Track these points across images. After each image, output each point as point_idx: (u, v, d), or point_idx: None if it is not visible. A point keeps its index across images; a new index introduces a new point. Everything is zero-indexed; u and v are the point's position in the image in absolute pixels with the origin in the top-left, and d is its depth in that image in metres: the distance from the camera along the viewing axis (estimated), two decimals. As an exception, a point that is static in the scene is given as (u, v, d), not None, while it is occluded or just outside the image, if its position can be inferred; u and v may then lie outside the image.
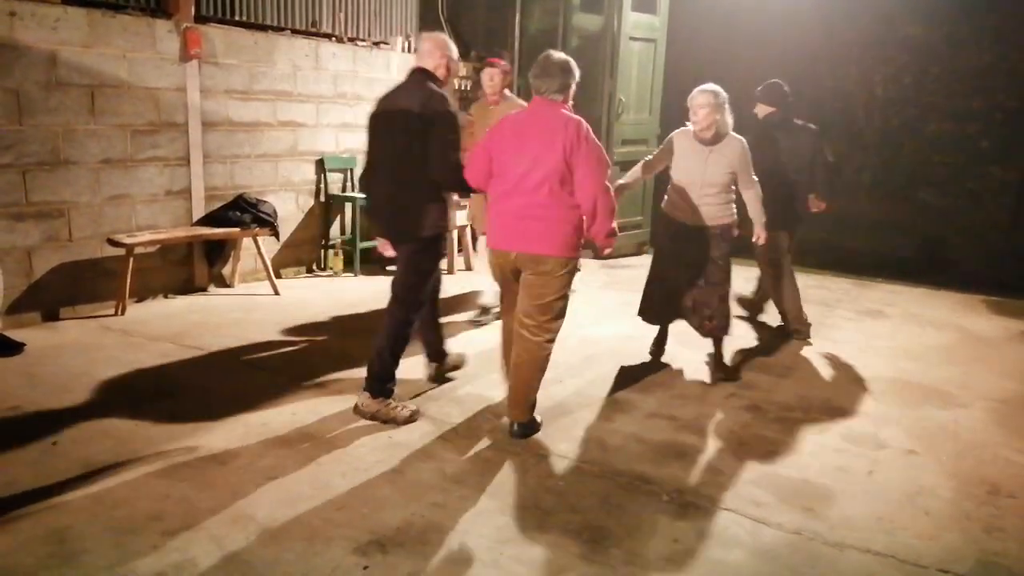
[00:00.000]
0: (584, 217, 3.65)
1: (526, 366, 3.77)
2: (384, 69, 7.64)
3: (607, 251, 3.89)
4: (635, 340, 5.46)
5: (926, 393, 4.73)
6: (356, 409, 3.99)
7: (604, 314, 6.22)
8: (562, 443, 3.81)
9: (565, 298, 3.75)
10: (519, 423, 3.86)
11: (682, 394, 4.53)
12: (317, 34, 7.17)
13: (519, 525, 3.05)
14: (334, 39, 7.27)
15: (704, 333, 4.83)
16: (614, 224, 3.71)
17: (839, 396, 4.62)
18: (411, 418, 3.96)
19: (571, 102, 3.75)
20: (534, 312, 3.70)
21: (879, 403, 4.53)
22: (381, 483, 3.34)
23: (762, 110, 5.60)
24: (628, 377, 4.79)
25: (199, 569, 2.68)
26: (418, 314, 4.02)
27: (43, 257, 5.35)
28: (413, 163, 3.80)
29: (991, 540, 3.10)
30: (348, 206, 7.48)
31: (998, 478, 3.64)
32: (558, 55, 3.73)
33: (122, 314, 5.59)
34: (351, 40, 7.47)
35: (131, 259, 5.57)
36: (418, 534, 2.96)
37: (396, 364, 3.97)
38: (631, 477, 3.49)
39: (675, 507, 3.25)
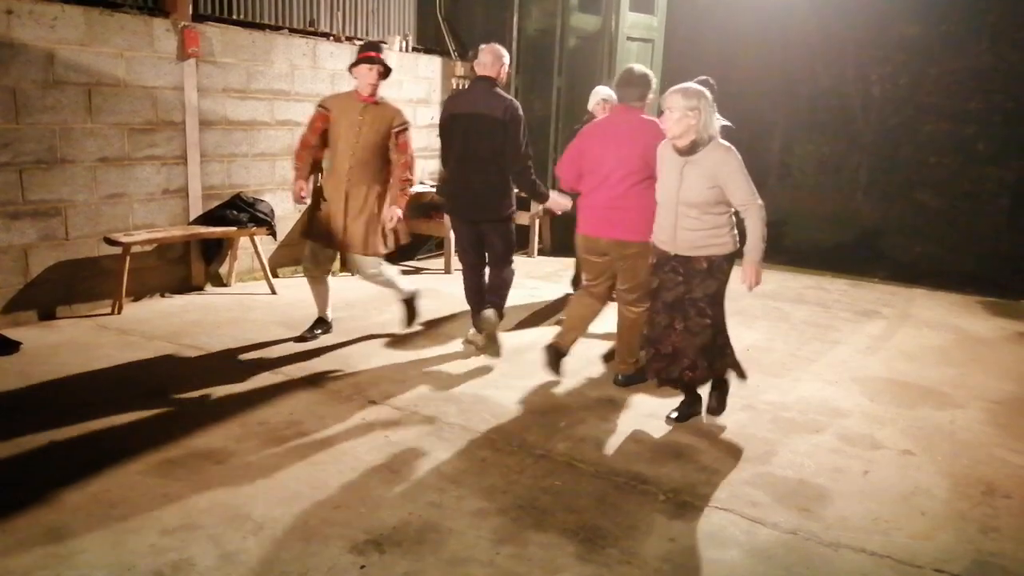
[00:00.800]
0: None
1: (627, 331, 4.53)
2: (382, 68, 7.63)
3: None
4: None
5: (922, 394, 4.74)
6: (483, 321, 4.87)
7: (603, 316, 6.21)
8: (559, 443, 3.82)
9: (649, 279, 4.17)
10: (624, 375, 4.63)
11: (679, 394, 4.53)
12: (315, 33, 7.17)
13: (516, 525, 3.06)
14: (332, 38, 7.27)
15: (683, 385, 4.10)
16: None
17: (835, 396, 4.62)
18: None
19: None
20: (628, 291, 4.45)
21: (875, 403, 4.54)
22: (378, 482, 3.34)
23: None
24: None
25: (196, 568, 2.69)
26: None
27: (40, 256, 5.34)
28: (497, 159, 4.73)
29: (986, 540, 3.11)
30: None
31: (994, 478, 3.65)
32: (639, 69, 4.37)
33: (119, 313, 5.59)
34: (349, 39, 7.47)
35: (128, 258, 5.57)
36: (415, 533, 2.96)
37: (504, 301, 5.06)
38: (627, 477, 3.50)
39: (671, 507, 3.26)
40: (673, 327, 3.95)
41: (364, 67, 4.79)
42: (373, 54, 4.82)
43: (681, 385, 4.09)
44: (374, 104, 4.86)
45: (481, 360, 4.94)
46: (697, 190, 3.74)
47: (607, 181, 4.27)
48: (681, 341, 3.93)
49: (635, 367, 4.59)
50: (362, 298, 6.28)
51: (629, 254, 4.31)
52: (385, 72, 4.86)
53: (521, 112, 4.74)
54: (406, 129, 4.94)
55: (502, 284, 5.00)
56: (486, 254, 5.05)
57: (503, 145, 4.70)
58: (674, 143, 3.80)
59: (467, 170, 4.83)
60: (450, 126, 4.86)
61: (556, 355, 4.59)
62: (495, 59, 4.82)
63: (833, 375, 5.00)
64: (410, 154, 4.95)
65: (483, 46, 4.92)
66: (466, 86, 5.11)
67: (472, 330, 5.17)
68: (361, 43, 5.32)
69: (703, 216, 3.79)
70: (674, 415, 4.16)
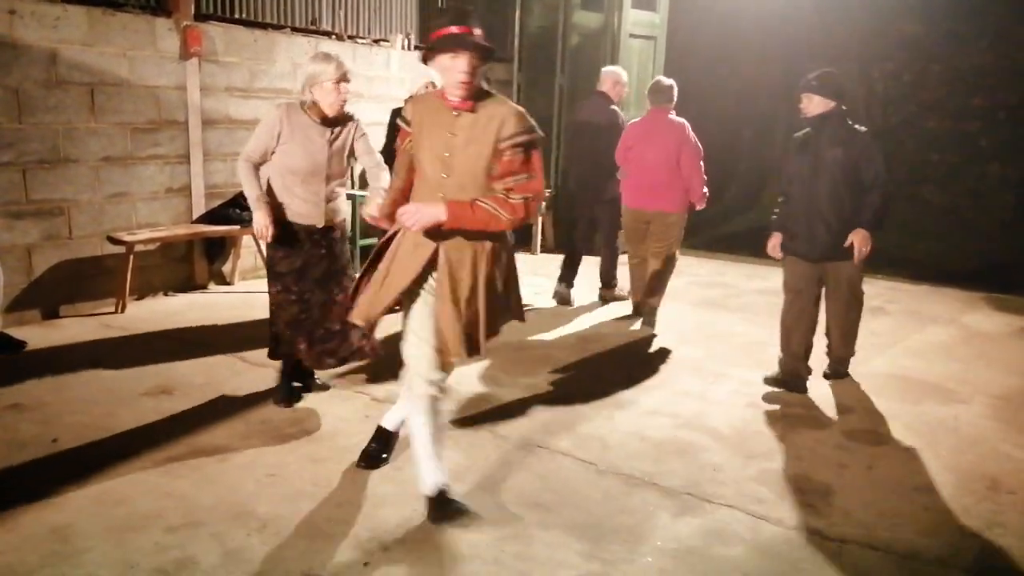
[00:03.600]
0: (686, 187, 5.58)
1: (657, 274, 5.74)
2: (384, 67, 7.63)
3: (699, 207, 5.72)
4: (637, 338, 5.47)
5: (926, 389, 4.73)
6: (601, 297, 6.46)
7: (606, 313, 6.22)
8: (563, 440, 3.81)
9: (678, 238, 5.77)
10: (650, 308, 5.80)
11: (682, 391, 4.53)
12: (317, 32, 7.16)
13: (520, 522, 3.05)
14: (334, 37, 7.27)
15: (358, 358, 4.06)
16: (705, 190, 5.63)
17: (839, 392, 4.61)
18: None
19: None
20: (660, 247, 5.71)
21: (879, 399, 4.53)
22: (381, 480, 3.34)
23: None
24: (629, 375, 4.79)
25: (200, 566, 2.69)
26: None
27: (43, 255, 5.35)
28: (605, 154, 5.90)
29: (991, 535, 3.10)
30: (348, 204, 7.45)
31: (998, 474, 3.64)
32: (667, 80, 5.70)
33: (122, 312, 5.59)
34: (351, 38, 7.46)
35: (131, 257, 5.57)
36: (418, 531, 2.96)
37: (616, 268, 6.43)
38: (632, 474, 3.50)
39: (676, 504, 3.25)
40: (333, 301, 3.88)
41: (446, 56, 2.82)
42: (457, 30, 2.82)
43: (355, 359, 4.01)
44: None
45: (484, 358, 4.94)
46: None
47: (648, 166, 5.57)
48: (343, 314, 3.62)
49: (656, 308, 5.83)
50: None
51: (668, 223, 5.66)
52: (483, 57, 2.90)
53: (620, 120, 6.07)
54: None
55: (613, 255, 6.40)
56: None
57: (606, 146, 5.93)
58: None
59: (585, 165, 6.28)
60: (575, 132, 6.40)
61: (652, 311, 5.77)
62: (613, 82, 6.16)
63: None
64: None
65: (604, 69, 6.36)
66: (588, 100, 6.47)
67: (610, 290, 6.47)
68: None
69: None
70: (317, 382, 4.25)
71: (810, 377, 4.60)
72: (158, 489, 3.19)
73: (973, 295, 7.26)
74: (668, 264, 5.76)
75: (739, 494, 3.35)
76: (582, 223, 6.41)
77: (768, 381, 4.62)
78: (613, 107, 6.15)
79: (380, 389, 4.36)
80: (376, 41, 7.73)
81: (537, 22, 8.56)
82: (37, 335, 5.02)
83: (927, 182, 8.91)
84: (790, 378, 4.58)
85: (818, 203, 4.34)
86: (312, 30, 7.13)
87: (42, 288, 5.36)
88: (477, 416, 4.06)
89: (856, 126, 4.44)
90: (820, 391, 4.62)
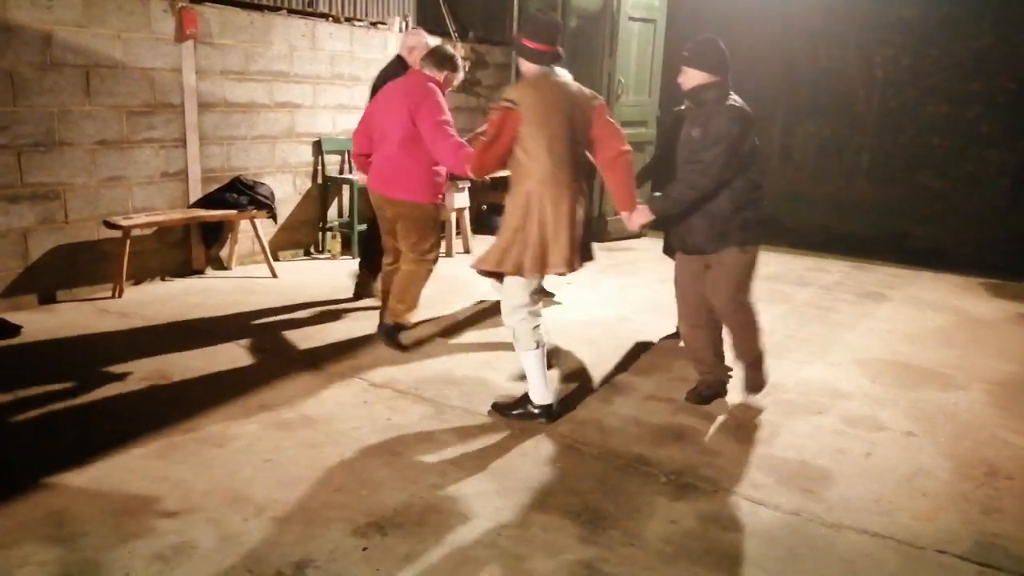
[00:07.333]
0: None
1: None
2: (381, 49, 7.58)
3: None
4: (633, 323, 5.46)
5: (924, 375, 4.73)
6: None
7: (603, 297, 6.21)
8: (560, 425, 3.81)
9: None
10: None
11: (680, 376, 4.53)
12: (314, 14, 7.10)
13: (518, 507, 3.05)
14: (331, 19, 7.20)
15: None
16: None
17: (837, 378, 4.62)
18: None
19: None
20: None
21: (877, 385, 4.54)
22: (379, 465, 3.34)
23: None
24: (626, 360, 4.78)
25: (197, 551, 2.68)
26: None
27: (39, 239, 5.32)
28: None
29: (989, 521, 3.11)
30: (346, 188, 7.44)
31: (996, 459, 3.65)
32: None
33: (119, 297, 5.57)
34: (348, 20, 7.40)
35: (128, 241, 5.55)
36: (417, 516, 2.96)
37: None
38: (629, 459, 3.50)
39: (673, 489, 3.26)
40: None
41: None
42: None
43: None
44: None
45: (481, 343, 4.93)
46: None
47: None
48: None
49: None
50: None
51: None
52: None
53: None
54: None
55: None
56: None
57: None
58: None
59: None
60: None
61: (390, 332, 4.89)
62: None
63: (835, 357, 4.99)
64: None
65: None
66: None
67: None
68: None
69: None
70: None
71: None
72: (155, 474, 3.19)
73: (971, 281, 7.26)
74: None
75: (736, 479, 3.35)
76: None
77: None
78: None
79: (378, 374, 4.35)
80: (374, 23, 7.67)
81: (536, 4, 8.50)
82: (34, 320, 5.00)
83: (926, 167, 8.88)
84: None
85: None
86: (309, 12, 7.08)
87: (38, 273, 5.34)
88: (474, 400, 4.06)
89: (733, 103, 3.75)
90: (817, 376, 4.62)
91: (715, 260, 3.86)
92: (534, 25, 3.71)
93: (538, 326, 3.76)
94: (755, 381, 4.15)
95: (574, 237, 3.66)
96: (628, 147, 3.80)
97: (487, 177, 4.07)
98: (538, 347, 3.75)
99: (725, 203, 3.77)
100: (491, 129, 3.63)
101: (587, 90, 3.75)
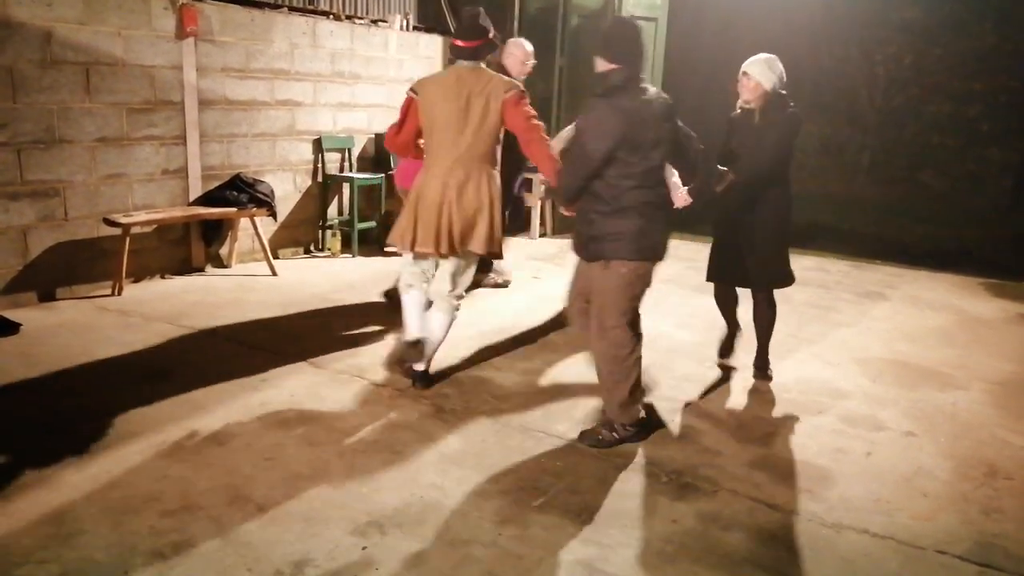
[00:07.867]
0: None
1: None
2: (382, 47, 7.57)
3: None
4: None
5: (924, 375, 4.73)
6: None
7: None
8: (561, 424, 3.81)
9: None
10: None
11: (681, 376, 4.53)
12: (315, 11, 7.10)
13: (518, 506, 3.05)
14: (332, 16, 7.20)
15: None
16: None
17: (837, 378, 4.61)
18: None
19: None
20: None
21: (877, 385, 4.53)
22: (379, 464, 3.33)
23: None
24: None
25: (197, 549, 2.68)
26: None
27: (38, 237, 5.32)
28: None
29: (989, 521, 3.11)
30: (346, 186, 7.43)
31: (996, 459, 3.64)
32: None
33: (119, 294, 5.57)
34: (349, 18, 7.39)
35: (127, 239, 5.54)
36: (416, 515, 2.96)
37: None
38: (629, 458, 3.49)
39: (674, 488, 3.26)
40: None
41: None
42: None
43: None
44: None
45: (482, 343, 4.93)
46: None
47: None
48: None
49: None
50: (363, 279, 6.26)
51: None
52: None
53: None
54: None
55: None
56: None
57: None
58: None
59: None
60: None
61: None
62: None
63: (834, 356, 4.99)
64: None
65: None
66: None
67: None
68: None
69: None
70: None
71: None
72: (155, 472, 3.18)
73: (971, 280, 7.26)
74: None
75: (736, 478, 3.35)
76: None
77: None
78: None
79: (378, 373, 4.35)
80: (375, 21, 7.66)
81: (537, 3, 8.48)
82: (33, 317, 5.00)
83: (927, 166, 8.88)
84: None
85: None
86: (310, 9, 7.07)
87: (38, 270, 5.34)
88: (474, 399, 4.05)
89: (647, 87, 3.59)
90: (817, 376, 4.62)
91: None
92: (458, 23, 4.18)
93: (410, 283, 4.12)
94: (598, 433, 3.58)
95: (493, 221, 3.94)
96: (537, 125, 3.95)
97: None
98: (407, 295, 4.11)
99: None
100: (400, 115, 4.05)
101: (503, 82, 3.96)
